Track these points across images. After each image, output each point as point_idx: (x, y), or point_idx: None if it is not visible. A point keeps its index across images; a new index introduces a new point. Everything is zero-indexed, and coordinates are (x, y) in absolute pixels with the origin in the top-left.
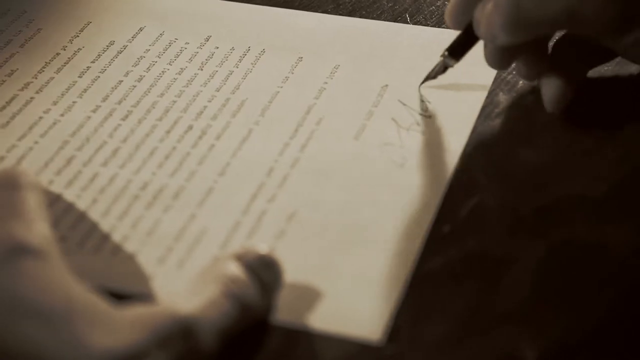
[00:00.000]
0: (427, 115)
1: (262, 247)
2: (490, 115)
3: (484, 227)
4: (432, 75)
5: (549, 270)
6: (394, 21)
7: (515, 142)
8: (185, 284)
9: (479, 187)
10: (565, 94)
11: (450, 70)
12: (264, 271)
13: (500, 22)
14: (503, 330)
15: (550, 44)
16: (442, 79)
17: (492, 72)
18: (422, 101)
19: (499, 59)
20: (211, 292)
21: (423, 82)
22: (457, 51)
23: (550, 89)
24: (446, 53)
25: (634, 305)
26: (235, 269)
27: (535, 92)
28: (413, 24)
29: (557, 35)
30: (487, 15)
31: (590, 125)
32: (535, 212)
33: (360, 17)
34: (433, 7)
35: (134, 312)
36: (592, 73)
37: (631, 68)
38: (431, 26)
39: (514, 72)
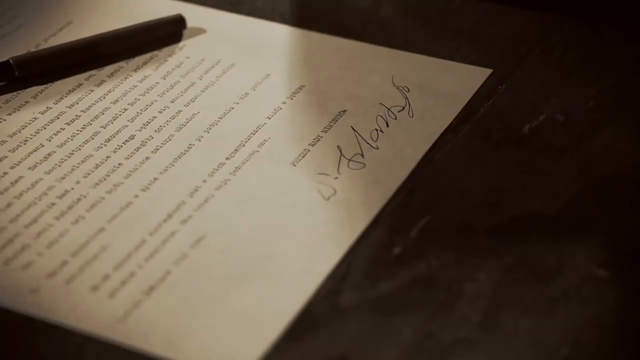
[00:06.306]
0: (375, 147)
1: None
2: (442, 134)
3: (435, 249)
4: None
5: (504, 293)
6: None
7: (468, 160)
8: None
9: (430, 207)
10: None
11: (419, 104)
12: None
13: None
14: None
15: None
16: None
17: (457, 108)
18: (374, 129)
19: None
20: None
21: None
22: None
23: None
24: None
25: (593, 327)
26: None
27: (488, 111)
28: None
29: None
30: None
31: (543, 143)
32: (489, 232)
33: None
34: None
35: None
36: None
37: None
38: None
39: None
